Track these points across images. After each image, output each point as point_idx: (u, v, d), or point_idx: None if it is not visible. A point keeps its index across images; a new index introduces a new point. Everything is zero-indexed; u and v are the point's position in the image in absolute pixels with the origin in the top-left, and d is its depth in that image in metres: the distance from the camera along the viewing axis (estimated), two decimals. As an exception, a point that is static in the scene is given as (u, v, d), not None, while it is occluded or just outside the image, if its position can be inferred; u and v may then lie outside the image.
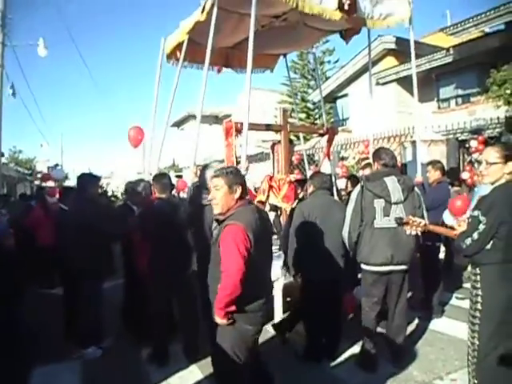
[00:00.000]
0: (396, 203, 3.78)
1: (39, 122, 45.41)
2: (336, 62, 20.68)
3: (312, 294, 4.20)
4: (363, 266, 3.96)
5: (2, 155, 16.08)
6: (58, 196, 8.24)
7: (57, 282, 7.21)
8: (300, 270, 4.31)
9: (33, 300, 6.46)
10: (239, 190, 2.84)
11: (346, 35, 6.61)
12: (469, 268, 5.23)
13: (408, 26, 6.04)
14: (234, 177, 2.86)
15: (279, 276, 5.04)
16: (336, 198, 5.39)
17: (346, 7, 4.93)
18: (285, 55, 7.83)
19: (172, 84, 6.47)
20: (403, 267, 3.85)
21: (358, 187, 3.99)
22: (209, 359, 4.13)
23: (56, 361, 4.40)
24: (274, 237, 5.12)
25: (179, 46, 6.24)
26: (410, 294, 4.34)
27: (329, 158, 6.98)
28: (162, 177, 4.68)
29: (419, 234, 3.58)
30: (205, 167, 4.15)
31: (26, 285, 6.74)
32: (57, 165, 39.45)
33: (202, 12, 5.24)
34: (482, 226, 2.76)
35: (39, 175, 22.22)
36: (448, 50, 12.23)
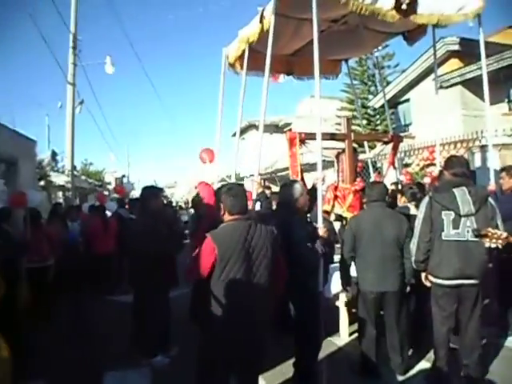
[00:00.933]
0: (466, 215, 3.61)
1: (107, 135, 47.52)
2: (396, 66, 20.22)
3: (363, 307, 4.15)
4: (431, 279, 3.81)
5: (75, 168, 17.05)
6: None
7: (119, 289, 7.64)
8: (350, 282, 4.37)
9: (102, 306, 6.82)
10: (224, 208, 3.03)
11: (410, 37, 6.44)
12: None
13: (473, 25, 5.70)
14: (221, 195, 3.10)
15: (340, 288, 4.96)
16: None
17: (404, 7, 4.70)
18: (346, 61, 7.76)
19: (231, 93, 6.57)
20: (474, 281, 3.64)
21: (427, 198, 3.86)
22: (274, 370, 4.24)
23: (126, 366, 4.56)
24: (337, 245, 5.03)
25: (240, 56, 6.32)
26: (484, 309, 4.11)
27: (394, 166, 6.85)
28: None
29: (500, 247, 3.39)
30: (286, 185, 4.22)
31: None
32: (123, 176, 41.39)
33: (261, 20, 5.26)
34: None
35: (109, 186, 23.31)
36: (519, 48, 11.63)
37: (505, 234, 3.26)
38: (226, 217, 3.03)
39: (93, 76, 44.65)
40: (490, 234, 3.25)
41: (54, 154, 19.02)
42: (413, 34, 6.33)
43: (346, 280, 4.37)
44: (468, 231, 3.58)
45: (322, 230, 3.95)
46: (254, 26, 5.52)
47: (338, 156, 5.97)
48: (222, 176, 21.57)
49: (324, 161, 4.99)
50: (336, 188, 5.73)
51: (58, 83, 17.60)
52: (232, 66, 6.83)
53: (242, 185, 3.69)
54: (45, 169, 16.38)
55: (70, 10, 13.59)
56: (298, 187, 4.02)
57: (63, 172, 17.48)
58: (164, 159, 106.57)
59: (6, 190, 10.33)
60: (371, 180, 8.54)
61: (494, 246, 3.30)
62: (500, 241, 3.23)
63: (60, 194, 17.63)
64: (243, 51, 6.14)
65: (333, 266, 4.71)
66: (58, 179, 17.01)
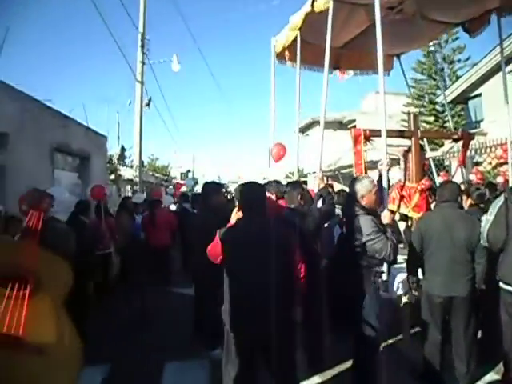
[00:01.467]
0: None
1: (173, 131, 48.96)
2: (467, 60, 19.31)
3: (428, 311, 3.99)
4: (501, 285, 3.60)
5: (142, 163, 17.71)
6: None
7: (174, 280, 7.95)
8: (416, 284, 4.19)
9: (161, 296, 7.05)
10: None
11: (472, 28, 6.07)
12: None
13: None
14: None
15: (405, 289, 4.80)
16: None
17: None
18: (398, 56, 7.43)
19: (292, 88, 6.39)
20: None
21: (502, 198, 3.64)
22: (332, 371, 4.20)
23: (186, 356, 4.67)
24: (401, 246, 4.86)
25: (289, 46, 6.08)
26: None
27: (464, 164, 6.54)
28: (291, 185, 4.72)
29: None
30: (355, 180, 4.05)
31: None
32: (188, 171, 42.49)
33: (313, 2, 5.08)
34: None
35: (174, 181, 24.09)
36: None
37: None
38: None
39: (160, 73, 46.30)
40: None
41: (123, 150, 19.86)
42: (474, 25, 5.96)
43: (412, 282, 4.21)
44: None
45: (387, 217, 3.87)
46: (305, 9, 5.30)
47: (405, 154, 5.77)
48: (285, 173, 21.59)
49: (389, 159, 4.84)
50: (402, 187, 5.55)
51: (127, 81, 18.35)
52: (280, 56, 6.58)
53: (260, 184, 3.69)
54: (115, 163, 17.15)
55: (138, 10, 14.11)
56: (367, 183, 3.88)
57: (131, 166, 18.22)
58: (229, 154, 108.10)
59: (79, 183, 10.94)
60: (437, 179, 8.20)
61: None
62: None
63: (128, 187, 18.41)
64: (292, 41, 5.90)
65: (396, 266, 4.55)
66: (127, 173, 17.77)
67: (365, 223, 3.64)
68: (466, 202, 4.75)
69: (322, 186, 5.02)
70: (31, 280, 1.93)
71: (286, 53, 6.33)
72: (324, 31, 5.04)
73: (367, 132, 5.30)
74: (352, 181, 4.06)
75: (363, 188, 3.85)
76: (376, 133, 5.38)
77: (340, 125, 24.38)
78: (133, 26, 13.62)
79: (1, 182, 7.19)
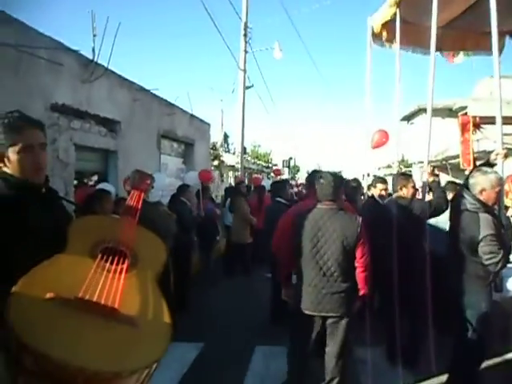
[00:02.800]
0: None
1: (275, 118, 49.42)
2: None
3: None
4: None
5: (245, 150, 18.14)
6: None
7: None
8: None
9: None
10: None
11: None
12: None
13: None
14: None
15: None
16: None
17: None
18: (511, 35, 6.45)
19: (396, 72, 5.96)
20: None
21: None
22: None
23: (275, 342, 4.63)
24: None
25: (387, 24, 5.51)
26: None
27: None
28: (404, 176, 4.59)
29: None
30: (479, 171, 3.65)
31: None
32: (290, 158, 42.73)
33: None
34: None
35: (275, 167, 24.43)
36: None
37: None
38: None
39: (261, 61, 46.88)
40: None
41: (225, 137, 20.51)
42: None
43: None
44: None
45: None
46: None
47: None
48: (387, 162, 20.78)
49: (506, 148, 4.33)
50: (514, 180, 5.04)
51: (231, 69, 18.83)
52: (377, 36, 6.14)
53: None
54: (218, 150, 17.76)
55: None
56: (493, 178, 3.46)
57: (234, 153, 18.75)
58: (330, 143, 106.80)
59: (184, 168, 11.49)
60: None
61: None
62: None
63: (230, 173, 18.99)
64: (390, 19, 5.37)
65: (510, 265, 4.09)
66: (229, 160, 18.32)
67: (484, 222, 3.28)
68: None
69: (431, 179, 4.62)
70: (129, 256, 2.04)
71: (384, 33, 5.90)
72: (424, 9, 4.62)
73: (477, 119, 4.87)
74: (474, 172, 3.66)
75: (487, 182, 3.43)
76: (488, 119, 4.91)
77: (449, 112, 22.75)
78: (236, 15, 13.85)
79: (113, 166, 7.78)
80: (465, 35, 5.80)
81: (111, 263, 1.90)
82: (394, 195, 4.39)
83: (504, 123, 4.43)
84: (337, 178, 3.45)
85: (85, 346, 1.45)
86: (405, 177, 4.51)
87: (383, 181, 5.55)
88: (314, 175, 4.19)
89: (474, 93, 22.29)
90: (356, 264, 3.21)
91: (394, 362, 4.09)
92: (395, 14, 5.18)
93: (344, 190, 3.88)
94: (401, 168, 6.31)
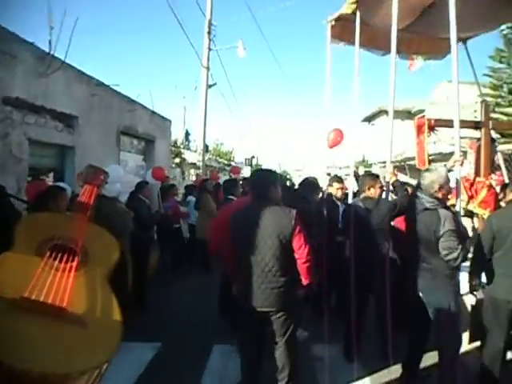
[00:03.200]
0: None
1: (238, 117, 49.45)
2: (557, 46, 17.77)
3: (494, 316, 3.67)
4: None
5: (207, 148, 18.03)
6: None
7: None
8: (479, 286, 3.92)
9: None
10: None
11: None
12: None
13: None
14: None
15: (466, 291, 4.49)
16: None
17: None
18: (464, 42, 6.66)
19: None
20: None
21: None
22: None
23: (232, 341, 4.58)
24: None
25: (345, 24, 5.64)
26: None
27: (542, 159, 6.05)
28: (364, 175, 4.74)
29: None
30: (428, 170, 3.79)
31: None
32: (253, 157, 42.81)
33: None
34: None
35: (234, 165, 24.41)
36: None
37: None
38: None
39: (225, 59, 46.79)
40: None
41: (187, 134, 20.31)
42: None
43: (475, 284, 3.93)
44: None
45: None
46: None
47: (474, 146, 5.39)
48: (348, 162, 21.12)
49: (461, 152, 4.45)
50: (468, 181, 5.21)
51: (194, 67, 18.68)
52: (336, 36, 6.07)
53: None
54: (179, 147, 17.57)
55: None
56: (443, 173, 3.58)
57: (195, 151, 18.58)
58: (292, 142, 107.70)
59: (144, 165, 11.32)
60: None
61: None
62: None
63: (192, 171, 18.82)
64: (349, 20, 5.47)
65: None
66: (191, 157, 18.16)
67: (445, 218, 3.37)
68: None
69: (393, 179, 4.73)
70: (79, 253, 1.99)
71: (342, 33, 5.98)
72: (382, 11, 4.73)
73: (432, 121, 5.00)
74: (423, 173, 3.74)
75: (441, 178, 3.54)
76: (442, 122, 5.07)
77: (409, 114, 23.43)
78: (200, 13, 13.76)
79: (70, 163, 7.57)
80: (421, 39, 5.95)
81: (60, 261, 1.84)
82: (362, 195, 4.45)
83: (451, 126, 4.57)
84: (271, 175, 3.56)
85: (31, 347, 1.40)
86: (372, 177, 4.60)
87: (339, 180, 5.65)
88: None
89: (431, 96, 23.00)
90: (296, 256, 3.24)
91: (351, 358, 4.19)
92: (354, 14, 5.25)
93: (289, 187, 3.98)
94: (357, 167, 6.34)
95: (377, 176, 4.67)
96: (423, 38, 6.13)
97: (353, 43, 5.51)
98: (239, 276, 3.45)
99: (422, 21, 5.38)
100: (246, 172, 31.74)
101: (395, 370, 3.90)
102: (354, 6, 5.17)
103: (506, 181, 6.46)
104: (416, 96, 26.56)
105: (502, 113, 14.71)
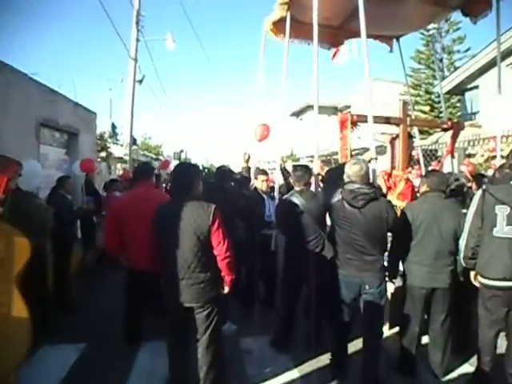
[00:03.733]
0: None
1: (167, 111, 48.55)
2: (466, 51, 19.21)
3: (410, 302, 3.92)
4: (479, 279, 3.54)
5: (135, 141, 17.54)
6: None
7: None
8: (397, 274, 4.09)
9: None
10: None
11: (471, 12, 5.77)
12: None
13: None
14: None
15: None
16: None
17: None
18: (398, 39, 7.08)
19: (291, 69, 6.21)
20: None
21: (480, 190, 3.54)
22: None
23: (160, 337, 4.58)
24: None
25: (279, 23, 5.88)
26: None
27: (452, 155, 6.46)
28: (297, 169, 4.69)
29: None
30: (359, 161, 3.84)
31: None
32: (181, 151, 42.32)
33: None
34: None
35: (165, 158, 23.97)
36: None
37: None
38: None
39: (154, 51, 45.70)
40: None
41: (113, 127, 19.65)
42: (474, 8, 5.73)
43: (394, 272, 4.08)
44: None
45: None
46: None
47: (391, 141, 5.67)
48: (281, 156, 21.43)
49: (378, 146, 4.72)
50: (387, 174, 5.46)
51: (121, 58, 18.10)
52: (273, 33, 6.30)
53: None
54: (105, 141, 16.96)
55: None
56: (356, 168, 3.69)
57: (122, 145, 18.04)
58: (221, 137, 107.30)
59: (67, 159, 10.80)
60: (426, 168, 8.13)
61: None
62: None
63: (119, 165, 18.25)
64: (282, 18, 5.72)
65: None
66: (118, 151, 17.60)
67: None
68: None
69: (322, 173, 4.91)
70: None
71: (277, 31, 6.16)
72: (312, 10, 4.89)
73: (354, 117, 5.19)
74: (355, 163, 3.83)
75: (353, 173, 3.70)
76: (364, 118, 5.27)
77: (335, 110, 24.20)
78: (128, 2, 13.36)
79: (-17, 156, 7.05)
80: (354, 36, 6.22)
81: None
82: (296, 189, 4.48)
83: (378, 122, 4.80)
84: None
85: None
86: (306, 171, 4.64)
87: (264, 173, 5.72)
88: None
89: (356, 93, 23.86)
90: (215, 252, 3.25)
91: (280, 349, 4.28)
92: (286, 13, 5.44)
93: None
94: (283, 161, 6.48)
95: (310, 169, 4.77)
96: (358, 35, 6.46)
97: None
98: (164, 271, 3.41)
99: (354, 19, 5.66)
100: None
101: (324, 359, 4.04)
102: (286, 7, 5.35)
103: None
104: (342, 92, 27.47)
105: (420, 111, 15.60)
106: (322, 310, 4.26)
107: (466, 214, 3.75)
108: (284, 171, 6.03)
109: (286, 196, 4.66)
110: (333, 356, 3.93)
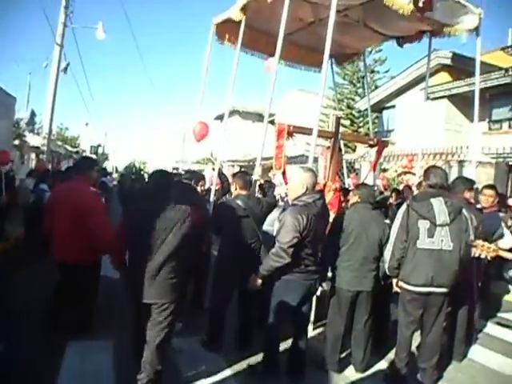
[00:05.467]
0: (441, 225, 3.70)
1: (88, 102, 46.49)
2: (386, 71, 20.53)
3: (337, 304, 4.21)
4: (402, 284, 3.91)
5: (51, 132, 16.64)
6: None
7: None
8: (331, 278, 4.36)
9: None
10: None
11: (403, 42, 6.63)
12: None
13: (465, 41, 5.97)
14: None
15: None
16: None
17: (421, 4, 4.82)
18: (333, 57, 7.60)
19: (215, 72, 6.46)
20: (443, 290, 3.75)
21: (404, 206, 3.92)
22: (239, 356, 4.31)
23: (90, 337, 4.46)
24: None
25: (230, 25, 6.08)
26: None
27: (374, 169, 6.96)
28: (244, 175, 4.78)
29: (488, 258, 3.59)
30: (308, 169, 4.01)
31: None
32: (99, 145, 40.76)
33: None
34: None
35: (85, 154, 23.00)
36: (507, 70, 11.92)
37: (493, 247, 3.53)
38: None
39: (82, 40, 43.51)
40: (479, 245, 3.53)
41: (32, 115, 18.54)
42: (407, 40, 6.57)
43: (324, 276, 4.36)
44: (442, 240, 3.68)
45: None
46: None
47: (323, 153, 6.00)
48: (202, 157, 21.37)
49: (303, 155, 5.04)
50: (318, 184, 5.76)
51: (46, 42, 17.12)
52: (220, 37, 6.58)
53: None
54: (22, 128, 15.98)
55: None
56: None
57: (38, 134, 17.07)
58: (144, 133, 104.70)
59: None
60: (346, 181, 8.70)
61: (483, 256, 3.57)
62: (490, 253, 3.49)
63: (33, 155, 17.23)
64: (235, 22, 5.90)
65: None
66: (34, 140, 16.62)
67: None
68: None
69: (263, 180, 5.12)
70: None
71: (226, 34, 6.31)
72: (267, 18, 5.11)
73: (291, 127, 5.44)
74: (308, 170, 3.96)
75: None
76: (299, 129, 5.55)
77: (260, 117, 24.69)
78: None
79: None
80: (297, 49, 6.53)
81: None
82: (243, 193, 4.56)
83: (310, 134, 5.07)
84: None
85: None
86: (246, 176, 4.77)
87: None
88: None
89: (282, 102, 24.53)
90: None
91: (211, 349, 4.37)
92: (241, 18, 5.61)
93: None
94: (213, 163, 6.70)
95: (249, 175, 4.91)
96: (300, 48, 6.90)
97: (234, 44, 5.92)
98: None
99: (302, 34, 5.99)
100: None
101: (255, 359, 4.19)
102: (243, 12, 5.52)
103: (346, 186, 7.36)
104: (268, 99, 27.98)
105: (343, 125, 16.41)
106: (255, 312, 4.43)
107: (388, 224, 4.24)
108: (221, 175, 6.12)
109: (229, 199, 4.76)
110: (265, 355, 4.08)
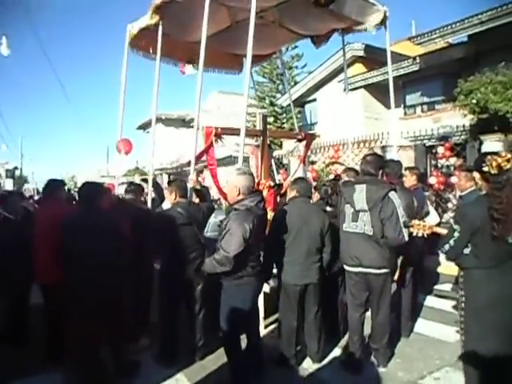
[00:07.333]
0: (361, 211, 3.91)
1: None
2: (304, 67, 20.95)
3: (286, 299, 4.24)
4: (345, 267, 4.13)
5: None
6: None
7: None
8: (276, 274, 4.40)
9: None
10: None
11: (318, 40, 6.97)
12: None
13: (375, 34, 6.29)
14: None
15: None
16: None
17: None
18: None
19: (134, 81, 6.37)
20: (377, 271, 3.91)
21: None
22: (194, 366, 4.24)
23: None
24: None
25: (146, 34, 5.95)
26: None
27: (304, 163, 7.09)
28: (181, 182, 4.72)
29: (425, 236, 3.74)
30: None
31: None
32: (16, 168, 38.34)
33: None
34: (456, 234, 3.02)
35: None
36: (415, 58, 12.66)
37: (429, 224, 3.74)
38: None
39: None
40: (415, 224, 3.73)
41: None
42: (320, 38, 6.93)
43: (269, 273, 4.39)
44: (365, 225, 3.91)
45: None
46: None
47: (253, 152, 6.04)
48: (128, 168, 20.79)
49: (231, 156, 5.07)
50: (257, 184, 5.79)
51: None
52: (135, 44, 6.39)
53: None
54: None
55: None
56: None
57: None
58: (64, 150, 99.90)
59: None
60: (276, 177, 8.79)
61: (420, 234, 3.73)
62: (426, 230, 3.67)
63: None
64: (150, 30, 5.79)
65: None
66: None
67: None
68: (313, 196, 5.07)
69: (198, 186, 5.29)
70: None
71: (142, 42, 6.16)
72: (181, 24, 5.07)
73: (218, 130, 5.42)
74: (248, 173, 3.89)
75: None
76: (226, 131, 5.55)
77: (183, 122, 24.46)
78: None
79: None
80: (215, 53, 6.54)
81: None
82: (182, 200, 4.49)
83: (238, 134, 5.08)
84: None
85: None
86: (180, 182, 4.70)
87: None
88: None
89: (204, 105, 24.38)
90: None
91: (166, 362, 4.28)
92: (156, 25, 5.51)
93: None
94: (145, 174, 6.56)
95: (185, 182, 4.82)
96: (218, 52, 7.01)
97: (150, 53, 5.85)
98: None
99: (219, 38, 6.00)
100: (9, 184, 28.50)
101: (210, 365, 4.18)
102: (158, 16, 5.42)
103: (277, 181, 7.47)
104: (190, 105, 27.83)
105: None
106: (209, 320, 4.37)
107: (328, 214, 4.44)
108: (156, 184, 5.99)
109: (169, 207, 4.65)
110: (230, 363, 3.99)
